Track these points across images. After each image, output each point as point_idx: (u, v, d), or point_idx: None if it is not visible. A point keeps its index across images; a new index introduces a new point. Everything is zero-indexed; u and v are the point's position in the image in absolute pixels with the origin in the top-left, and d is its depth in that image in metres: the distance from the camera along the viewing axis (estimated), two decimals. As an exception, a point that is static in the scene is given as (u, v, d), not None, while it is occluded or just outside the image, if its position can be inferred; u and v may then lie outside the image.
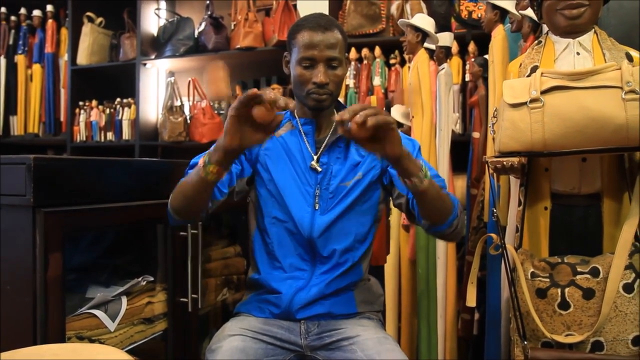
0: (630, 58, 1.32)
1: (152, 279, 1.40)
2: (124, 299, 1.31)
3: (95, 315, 1.22)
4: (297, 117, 1.29)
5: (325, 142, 1.26)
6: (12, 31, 3.32)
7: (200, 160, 1.05)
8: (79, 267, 1.41)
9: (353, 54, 2.57)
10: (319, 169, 1.24)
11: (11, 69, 3.30)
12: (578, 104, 1.20)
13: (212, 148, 1.04)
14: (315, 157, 1.25)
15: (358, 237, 1.26)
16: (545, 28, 1.47)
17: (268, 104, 0.94)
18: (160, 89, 3.16)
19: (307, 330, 1.21)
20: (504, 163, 1.30)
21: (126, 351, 1.26)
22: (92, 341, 1.20)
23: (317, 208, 1.23)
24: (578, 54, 1.35)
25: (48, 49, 3.25)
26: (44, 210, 1.03)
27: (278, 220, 1.25)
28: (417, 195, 1.07)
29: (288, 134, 1.29)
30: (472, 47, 2.38)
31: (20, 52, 3.29)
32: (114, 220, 1.25)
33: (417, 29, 1.96)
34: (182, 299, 1.41)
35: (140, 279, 1.37)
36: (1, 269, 1.06)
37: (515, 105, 1.27)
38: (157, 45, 3.05)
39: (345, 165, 1.25)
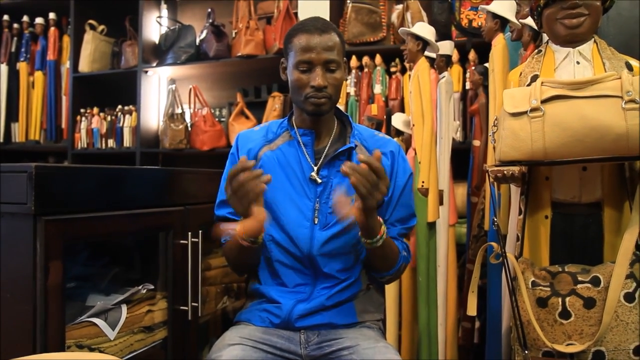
0: (630, 67, 1.32)
1: (152, 287, 1.40)
2: (124, 307, 1.30)
3: (95, 324, 1.22)
4: (295, 126, 1.28)
5: (325, 153, 1.25)
6: (15, 38, 3.33)
7: (242, 242, 1.15)
8: (79, 275, 1.41)
9: (354, 62, 2.57)
10: (319, 180, 1.22)
11: (13, 76, 3.31)
12: (578, 114, 1.21)
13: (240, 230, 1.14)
14: (315, 169, 1.23)
15: (358, 254, 1.26)
16: (545, 37, 1.47)
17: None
18: (162, 97, 3.17)
19: (307, 340, 1.21)
20: (505, 172, 1.30)
21: (126, 360, 1.26)
22: (91, 350, 1.19)
23: (316, 222, 1.22)
24: (578, 63, 1.36)
25: (50, 56, 3.26)
26: (44, 218, 1.03)
27: (274, 239, 1.24)
28: (367, 250, 1.18)
29: (286, 144, 1.27)
30: (472, 55, 2.38)
31: (22, 59, 3.30)
32: (115, 229, 1.25)
33: (417, 38, 1.97)
34: (182, 307, 1.41)
35: (140, 287, 1.37)
36: (1, 277, 1.06)
37: (515, 115, 1.27)
38: (158, 53, 3.07)
39: (345, 179, 1.21)
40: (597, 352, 1.25)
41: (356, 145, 1.26)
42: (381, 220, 1.15)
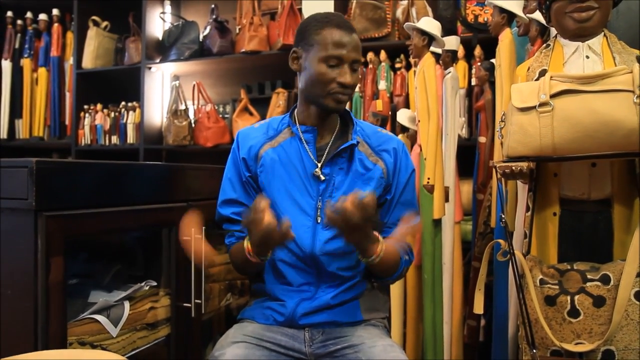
0: (641, 61, 1.30)
1: (155, 283, 1.39)
2: (127, 304, 1.29)
3: (97, 321, 1.21)
4: (297, 123, 1.25)
5: (327, 150, 1.22)
6: (18, 35, 3.33)
7: (254, 258, 1.12)
8: (81, 272, 1.40)
9: (358, 57, 2.55)
10: (322, 177, 1.20)
11: (17, 72, 3.31)
12: (588, 108, 1.18)
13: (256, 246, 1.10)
14: (319, 165, 1.20)
15: None
16: (553, 31, 1.45)
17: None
18: (165, 93, 3.16)
19: (311, 338, 1.19)
20: (513, 168, 1.28)
21: (128, 357, 1.25)
22: (94, 347, 1.18)
23: (319, 221, 1.19)
24: (587, 57, 1.33)
25: (54, 52, 3.25)
26: (45, 214, 1.02)
27: None
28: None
29: (287, 141, 1.24)
30: (478, 51, 2.36)
31: (26, 55, 3.30)
32: (117, 225, 1.24)
33: (423, 33, 1.95)
34: (185, 304, 1.39)
35: (143, 284, 1.36)
36: (2, 273, 1.05)
37: (523, 110, 1.25)
38: (162, 49, 3.05)
39: (348, 176, 1.21)
40: (606, 352, 1.23)
41: (358, 142, 1.24)
42: (381, 238, 1.12)
